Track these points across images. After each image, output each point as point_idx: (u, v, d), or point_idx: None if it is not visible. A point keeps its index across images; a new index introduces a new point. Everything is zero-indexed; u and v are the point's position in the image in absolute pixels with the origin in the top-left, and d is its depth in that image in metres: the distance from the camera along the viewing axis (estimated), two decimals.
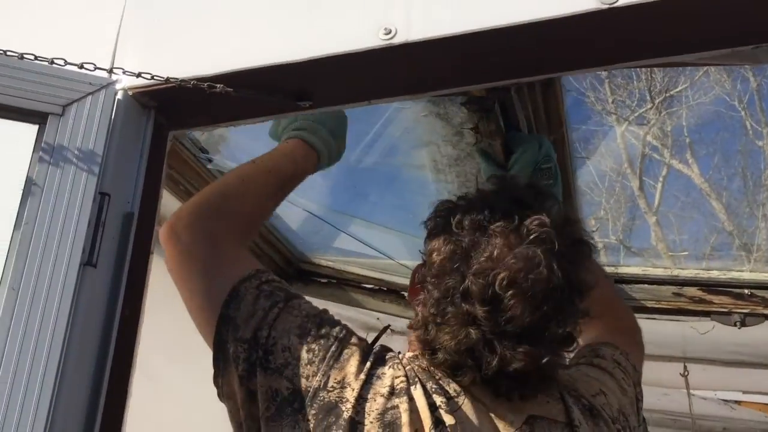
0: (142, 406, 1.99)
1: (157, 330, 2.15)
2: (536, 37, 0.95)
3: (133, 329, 1.04)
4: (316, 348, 0.98)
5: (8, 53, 0.95)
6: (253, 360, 0.99)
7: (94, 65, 1.01)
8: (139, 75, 1.03)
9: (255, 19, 1.08)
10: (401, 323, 3.11)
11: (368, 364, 0.97)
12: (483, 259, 0.92)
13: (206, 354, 2.45)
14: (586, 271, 0.98)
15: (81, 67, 1.00)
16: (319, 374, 0.96)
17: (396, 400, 0.93)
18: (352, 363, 0.97)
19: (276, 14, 1.07)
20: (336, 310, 3.08)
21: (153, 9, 1.14)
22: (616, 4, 0.88)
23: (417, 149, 1.86)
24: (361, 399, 0.93)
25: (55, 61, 0.98)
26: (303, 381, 0.96)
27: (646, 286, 2.35)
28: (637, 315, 2.40)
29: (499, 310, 0.89)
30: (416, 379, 0.96)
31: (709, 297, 2.25)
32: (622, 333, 1.25)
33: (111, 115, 1.04)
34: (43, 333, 0.91)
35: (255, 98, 1.08)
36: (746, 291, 2.11)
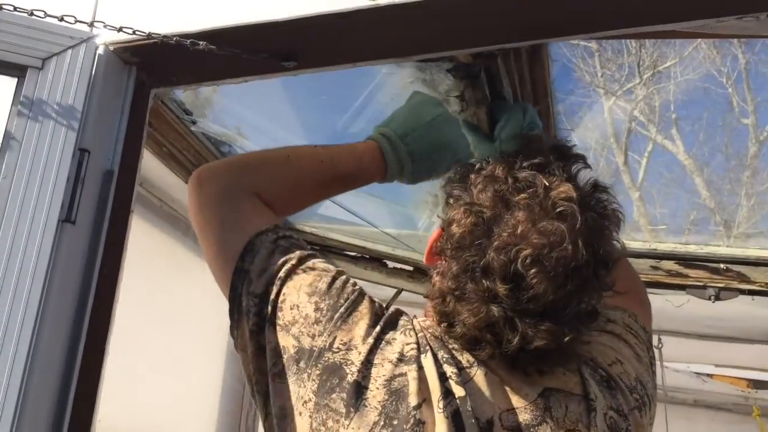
0: (123, 370, 2.01)
1: (130, 291, 2.16)
2: (521, 1, 0.94)
3: (111, 287, 1.04)
4: (324, 307, 0.95)
5: None
6: (263, 315, 0.97)
7: (75, 18, 0.99)
8: (120, 29, 1.01)
9: None
10: (385, 292, 3.13)
11: (378, 328, 0.93)
12: (506, 234, 0.88)
13: (180, 317, 2.44)
14: (612, 243, 0.95)
15: (61, 19, 0.98)
16: (325, 334, 0.93)
17: (405, 368, 0.90)
18: (360, 325, 0.93)
19: None
20: None
21: None
22: None
23: None
24: (367, 363, 0.90)
25: (35, 12, 0.96)
26: (309, 339, 0.93)
27: None
28: None
29: (522, 288, 0.86)
30: (427, 348, 0.92)
31: (685, 270, 2.28)
32: (627, 293, 1.18)
33: (91, 70, 1.03)
34: (20, 288, 0.90)
35: (239, 57, 1.06)
36: (722, 265, 2.14)
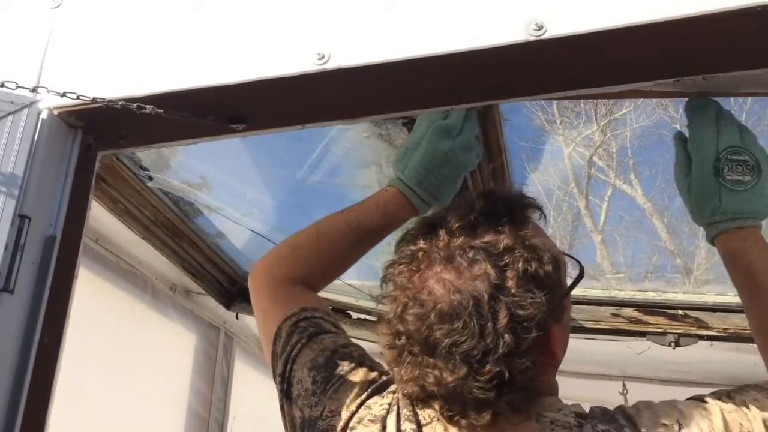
0: (77, 428, 1.93)
1: (89, 351, 2.10)
2: (467, 66, 0.96)
3: (52, 357, 1.00)
4: (320, 380, 1.04)
5: None
6: (283, 391, 1.09)
7: (16, 84, 0.98)
8: (63, 95, 1.00)
9: (187, 40, 1.06)
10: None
11: (365, 395, 1.01)
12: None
13: (140, 374, 2.38)
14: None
15: (2, 85, 0.97)
16: (319, 404, 1.02)
17: (372, 427, 0.97)
18: (348, 394, 1.02)
19: (209, 37, 1.06)
20: None
21: (81, 29, 1.11)
22: (542, 37, 0.89)
23: (361, 169, 1.86)
24: (346, 427, 0.98)
25: None
26: (308, 410, 1.03)
27: (585, 306, 2.39)
28: (576, 335, 2.45)
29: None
30: (395, 407, 0.98)
31: (645, 317, 2.30)
32: None
33: (34, 135, 1.01)
34: None
35: (187, 120, 1.06)
36: (680, 312, 2.16)
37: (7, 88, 0.97)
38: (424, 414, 0.97)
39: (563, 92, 1.00)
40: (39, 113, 1.03)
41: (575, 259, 1.11)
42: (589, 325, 2.42)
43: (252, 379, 3.04)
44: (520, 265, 0.90)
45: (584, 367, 2.86)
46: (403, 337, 0.92)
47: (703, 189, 1.12)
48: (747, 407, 0.94)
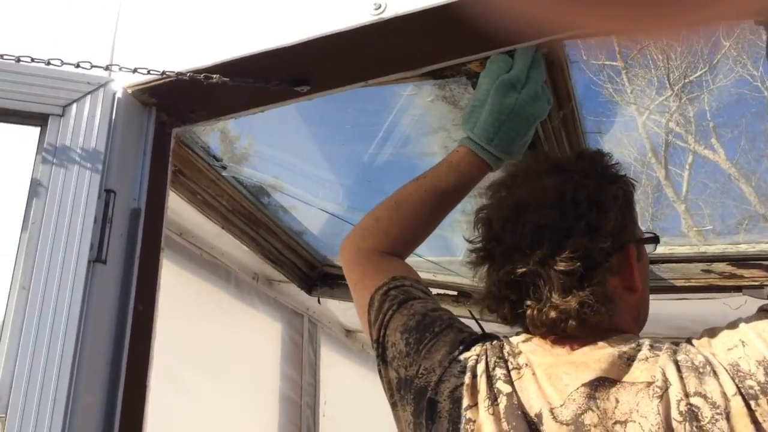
0: (175, 418, 2.01)
1: (181, 341, 2.17)
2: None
3: (148, 324, 1.04)
4: (413, 341, 1.09)
5: (5, 57, 0.97)
6: (379, 356, 1.14)
7: (90, 63, 1.02)
8: (135, 71, 1.04)
9: (246, 5, 1.08)
10: None
11: (456, 352, 1.05)
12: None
13: (231, 362, 2.45)
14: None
15: (77, 66, 1.01)
16: (414, 365, 1.07)
17: (463, 378, 1.00)
18: (441, 352, 1.05)
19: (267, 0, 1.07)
20: None
21: (148, 6, 1.15)
22: None
23: (428, 136, 1.85)
24: (440, 382, 1.02)
25: (52, 61, 0.99)
26: (403, 371, 1.08)
27: (674, 265, 2.30)
28: (667, 295, 2.35)
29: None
30: (483, 356, 1.02)
31: (739, 271, 2.19)
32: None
33: (111, 114, 1.05)
34: (55, 330, 0.91)
35: (252, 86, 1.08)
36: None
37: (82, 68, 1.01)
38: (514, 361, 1.01)
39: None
40: (114, 93, 1.07)
41: (652, 234, 1.17)
42: (679, 283, 2.33)
43: (338, 363, 3.09)
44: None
45: (680, 331, 2.74)
46: (493, 241, 1.06)
47: None
48: None
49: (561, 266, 0.97)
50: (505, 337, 1.09)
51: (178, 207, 2.01)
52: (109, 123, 1.04)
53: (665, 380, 0.89)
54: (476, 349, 1.04)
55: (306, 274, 2.65)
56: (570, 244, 0.97)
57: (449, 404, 0.99)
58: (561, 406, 0.92)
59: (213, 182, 2.09)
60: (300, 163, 2.20)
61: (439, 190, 1.28)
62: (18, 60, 0.97)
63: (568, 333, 0.98)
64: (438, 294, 2.55)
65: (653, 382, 0.90)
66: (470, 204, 2.11)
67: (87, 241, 0.97)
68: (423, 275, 2.62)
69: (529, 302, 1.01)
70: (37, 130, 1.01)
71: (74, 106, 1.02)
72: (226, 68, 1.06)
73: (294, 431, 2.64)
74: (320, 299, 2.76)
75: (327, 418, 2.83)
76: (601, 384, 0.92)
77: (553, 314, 0.98)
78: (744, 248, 2.27)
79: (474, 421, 0.95)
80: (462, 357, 1.04)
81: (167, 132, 1.16)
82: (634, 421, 0.87)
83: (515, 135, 1.28)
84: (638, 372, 0.93)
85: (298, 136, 2.05)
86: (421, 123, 1.79)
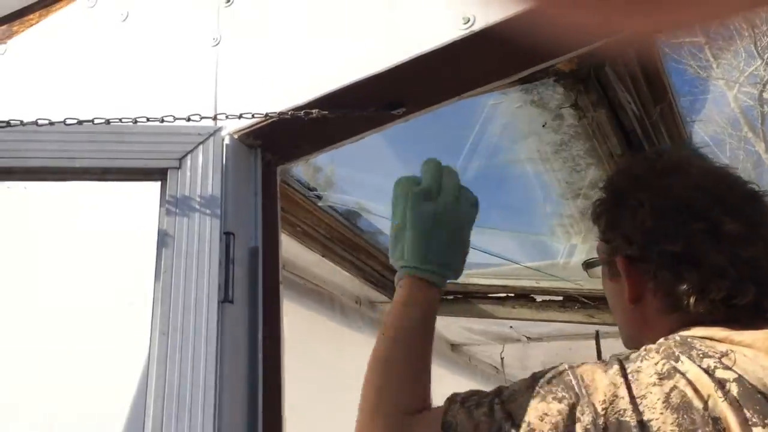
0: None
1: (297, 371, 2.23)
2: None
3: (276, 355, 1.08)
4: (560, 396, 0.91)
5: (123, 120, 1.03)
6: None
7: (200, 116, 1.07)
8: (240, 116, 1.08)
9: (337, 38, 1.11)
10: (537, 329, 3.04)
11: (613, 370, 0.91)
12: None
13: (343, 388, 2.49)
14: None
15: (188, 119, 1.07)
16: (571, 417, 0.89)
17: (670, 382, 0.87)
18: (599, 383, 0.90)
19: (356, 28, 1.10)
20: (467, 324, 3.06)
21: (244, 55, 1.20)
22: None
23: (518, 143, 1.83)
24: (634, 399, 0.87)
25: (165, 118, 1.05)
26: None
27: None
28: None
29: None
30: (676, 355, 0.90)
31: None
32: None
33: (222, 160, 1.10)
34: (196, 368, 0.96)
35: (350, 116, 1.11)
36: None
37: (193, 121, 1.07)
38: (715, 350, 0.91)
39: None
40: (223, 140, 1.12)
41: None
42: None
43: (446, 377, 3.08)
44: None
45: None
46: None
47: None
48: None
49: None
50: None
51: None
52: (222, 169, 1.09)
53: None
54: (647, 358, 0.91)
55: None
56: None
57: (671, 414, 0.85)
58: None
59: (310, 213, 2.15)
60: (390, 185, 2.23)
61: (410, 330, 1.11)
62: (135, 121, 1.04)
63: None
64: (543, 301, 2.51)
65: None
66: (572, 206, 2.07)
67: (215, 283, 1.01)
68: (524, 283, 2.59)
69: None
70: (158, 184, 1.07)
71: (189, 157, 1.08)
72: (324, 102, 1.10)
73: None
74: None
75: None
76: None
77: None
78: None
79: (719, 419, 0.83)
80: (636, 369, 0.90)
81: (273, 170, 1.21)
82: None
83: (448, 245, 1.16)
84: None
85: (385, 159, 2.08)
86: (510, 130, 1.78)
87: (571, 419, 0.88)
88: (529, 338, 3.05)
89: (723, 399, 0.84)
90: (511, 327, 3.01)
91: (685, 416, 0.84)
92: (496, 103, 1.66)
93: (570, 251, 2.41)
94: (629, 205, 1.04)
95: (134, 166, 1.06)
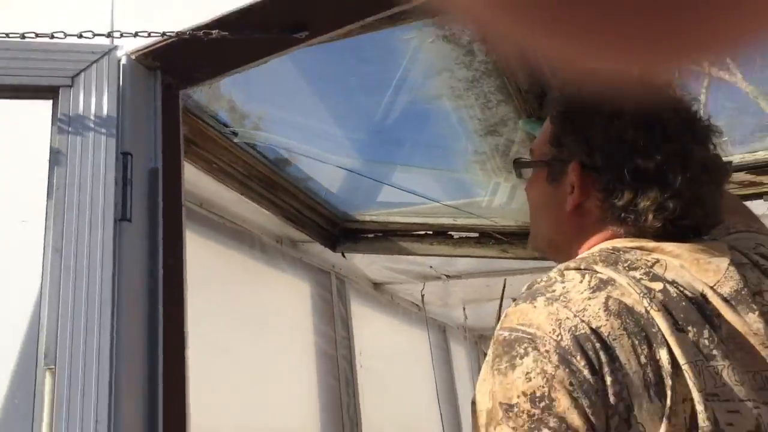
0: (215, 378, 2.08)
1: (217, 308, 2.24)
2: None
3: (178, 276, 1.08)
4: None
5: (10, 35, 1.00)
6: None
7: (93, 33, 1.05)
8: (136, 35, 1.06)
9: None
10: (455, 267, 3.13)
11: (539, 303, 0.87)
12: None
13: (265, 324, 2.51)
14: None
15: (80, 36, 1.04)
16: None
17: (603, 293, 0.86)
18: (537, 319, 0.85)
19: None
20: (389, 263, 3.12)
21: None
22: None
23: (431, 79, 1.85)
24: (576, 315, 0.84)
25: (55, 35, 1.02)
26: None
27: None
28: None
29: None
30: (598, 270, 0.90)
31: (759, 178, 2.18)
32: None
33: (118, 80, 1.08)
34: (91, 286, 0.96)
35: (252, 38, 1.10)
36: None
37: (85, 38, 1.04)
38: (639, 262, 0.93)
39: None
40: (119, 59, 1.10)
41: None
42: None
43: (369, 315, 3.15)
44: None
45: None
46: None
47: None
48: None
49: None
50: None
51: (195, 178, 2.05)
52: (118, 89, 1.07)
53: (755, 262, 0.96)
54: (581, 278, 0.90)
55: (328, 232, 2.69)
56: None
57: (615, 319, 0.83)
58: (718, 282, 0.90)
59: (227, 150, 2.12)
60: (308, 122, 2.22)
61: None
62: (23, 37, 1.00)
63: None
64: (460, 237, 2.58)
65: (756, 263, 0.95)
66: (484, 143, 2.12)
67: (111, 202, 1.01)
68: (443, 221, 2.65)
69: None
70: (49, 102, 1.04)
71: (82, 75, 1.05)
72: (225, 23, 1.08)
73: (333, 383, 2.72)
74: (345, 254, 2.81)
75: (364, 368, 2.90)
76: (733, 263, 0.93)
77: None
78: (762, 155, 2.26)
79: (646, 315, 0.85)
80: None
81: (174, 94, 1.19)
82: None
83: None
84: (737, 255, 0.97)
85: (301, 94, 2.07)
86: (424, 65, 1.80)
87: (544, 359, 0.82)
88: (448, 276, 3.15)
89: (650, 305, 0.85)
90: (431, 267, 3.09)
91: (628, 320, 0.84)
92: (409, 38, 1.66)
93: (494, 189, 2.48)
94: (605, 112, 1.00)
95: (23, 83, 1.03)
